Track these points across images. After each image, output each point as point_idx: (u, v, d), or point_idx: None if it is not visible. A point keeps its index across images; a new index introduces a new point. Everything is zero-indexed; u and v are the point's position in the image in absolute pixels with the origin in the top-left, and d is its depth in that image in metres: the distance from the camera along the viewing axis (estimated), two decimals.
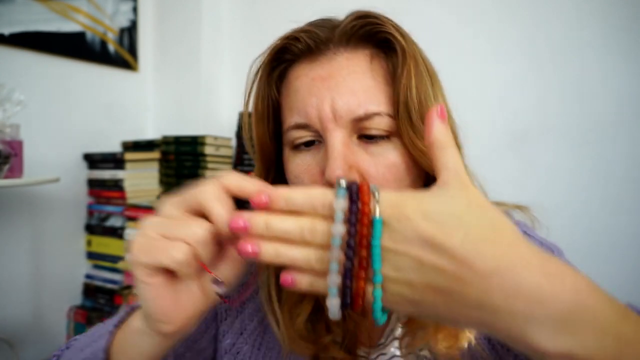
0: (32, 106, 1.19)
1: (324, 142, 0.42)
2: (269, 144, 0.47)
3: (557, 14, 1.18)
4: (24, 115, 1.07)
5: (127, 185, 1.36)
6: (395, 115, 0.42)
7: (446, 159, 0.30)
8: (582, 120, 1.17)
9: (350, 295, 0.28)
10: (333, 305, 0.28)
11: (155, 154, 1.45)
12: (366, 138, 0.42)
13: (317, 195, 0.29)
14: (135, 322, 0.37)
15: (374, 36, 0.44)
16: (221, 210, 0.30)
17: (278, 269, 0.49)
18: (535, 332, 0.25)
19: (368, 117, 0.41)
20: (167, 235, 0.31)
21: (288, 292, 0.48)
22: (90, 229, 1.42)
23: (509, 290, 0.25)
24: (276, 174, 0.48)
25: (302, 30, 0.45)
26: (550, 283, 0.26)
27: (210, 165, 1.36)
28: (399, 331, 0.48)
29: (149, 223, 0.32)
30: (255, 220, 0.29)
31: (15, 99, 1.04)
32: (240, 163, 1.41)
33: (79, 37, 1.39)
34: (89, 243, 1.42)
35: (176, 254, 0.30)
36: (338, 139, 0.41)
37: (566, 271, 0.27)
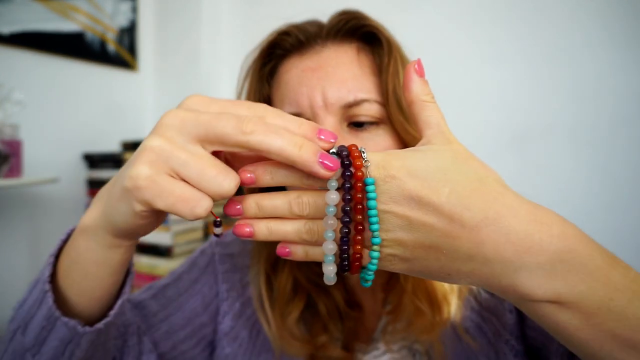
0: (32, 106, 1.19)
1: None
2: None
3: (557, 14, 1.18)
4: (23, 115, 1.07)
5: None
6: (384, 102, 0.43)
7: (427, 116, 0.30)
8: (582, 121, 1.17)
9: (348, 260, 0.28)
10: (329, 271, 0.28)
11: None
12: (356, 126, 0.43)
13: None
14: (78, 226, 0.34)
15: (359, 30, 0.46)
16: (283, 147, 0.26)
17: (267, 267, 0.50)
18: (525, 279, 0.26)
19: (357, 103, 0.43)
20: (192, 182, 0.26)
21: (280, 291, 0.49)
22: None
23: (499, 240, 0.26)
24: None
25: (292, 25, 0.47)
26: (539, 230, 0.26)
27: None
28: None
29: (162, 149, 0.25)
30: (247, 202, 0.29)
31: (15, 98, 1.04)
32: None
33: (79, 36, 1.38)
34: None
35: (199, 211, 0.26)
36: (329, 124, 0.42)
37: (554, 218, 0.27)
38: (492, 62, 1.24)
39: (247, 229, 0.29)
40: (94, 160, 1.40)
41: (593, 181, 1.16)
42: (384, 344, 0.48)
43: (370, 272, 0.28)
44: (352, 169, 0.27)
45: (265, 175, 0.28)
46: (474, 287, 0.47)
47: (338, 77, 0.43)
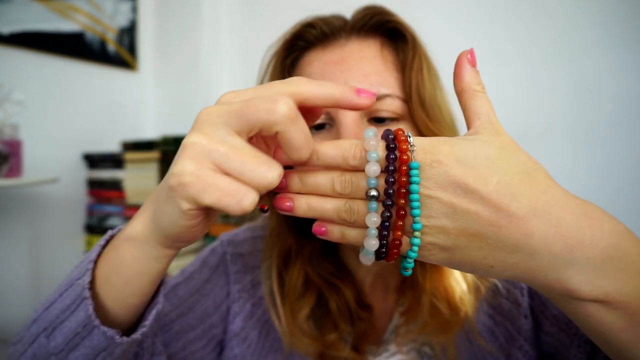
0: (32, 106, 1.19)
1: (334, 125, 0.43)
2: None
3: (557, 14, 1.18)
4: (23, 115, 1.07)
5: (127, 185, 1.36)
6: (406, 99, 0.43)
7: (478, 106, 0.30)
8: (581, 121, 1.17)
9: (386, 246, 0.27)
10: (371, 245, 0.27)
11: (155, 154, 1.45)
12: (376, 121, 0.43)
13: (348, 146, 0.28)
14: (124, 232, 0.32)
15: (384, 26, 0.46)
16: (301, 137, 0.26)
17: (279, 262, 0.50)
18: (574, 275, 0.25)
19: (380, 98, 0.42)
20: (235, 175, 0.25)
21: (290, 286, 0.49)
22: (90, 229, 1.41)
23: (548, 232, 0.25)
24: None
25: (317, 17, 0.47)
26: (590, 225, 0.25)
27: None
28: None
29: (202, 145, 0.25)
30: (291, 177, 0.29)
31: (15, 98, 1.04)
32: None
33: (79, 36, 1.38)
34: (88, 243, 1.42)
35: (245, 204, 0.25)
36: (350, 118, 0.41)
37: (604, 214, 0.26)
38: (492, 62, 1.24)
39: (288, 203, 0.29)
40: (94, 160, 1.40)
41: (592, 181, 1.16)
42: (395, 345, 0.48)
43: (410, 261, 0.28)
44: (397, 152, 0.27)
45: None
46: (487, 291, 0.47)
47: (361, 71, 0.43)
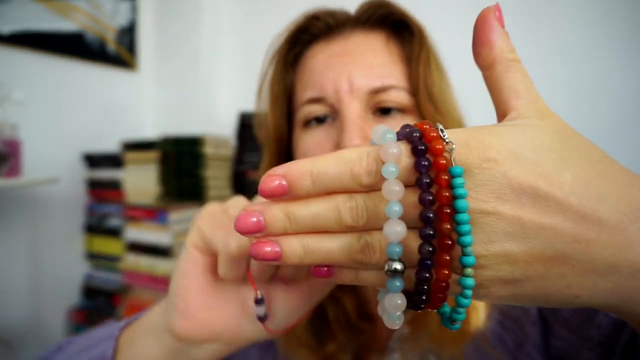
0: (31, 106, 1.19)
1: (337, 118, 0.41)
2: (283, 126, 0.45)
3: (558, 13, 1.18)
4: (22, 115, 1.07)
5: (127, 185, 1.35)
6: (412, 91, 0.41)
7: (516, 82, 0.23)
8: (580, 121, 1.16)
9: (428, 293, 0.19)
10: (396, 306, 0.19)
11: (155, 154, 1.44)
12: (381, 113, 0.41)
13: (357, 157, 0.20)
14: (151, 316, 0.33)
15: (389, 18, 0.44)
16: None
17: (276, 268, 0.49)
18: None
19: (385, 89, 0.40)
20: None
21: None
22: (89, 229, 1.41)
23: None
24: (286, 160, 0.46)
25: (322, 10, 0.45)
26: None
27: (209, 165, 1.36)
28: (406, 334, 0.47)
29: (233, 201, 0.30)
30: (272, 212, 0.20)
31: (14, 98, 1.03)
32: (240, 163, 1.41)
33: (78, 36, 1.38)
34: (88, 243, 1.41)
35: (232, 242, 0.26)
36: (354, 110, 0.39)
37: None
38: None
39: (269, 248, 0.20)
40: (93, 160, 1.40)
41: None
42: (400, 354, 0.46)
43: (462, 310, 0.20)
44: (429, 157, 0.19)
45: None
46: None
47: (366, 63, 0.41)
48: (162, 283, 1.22)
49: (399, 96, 0.41)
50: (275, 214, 0.20)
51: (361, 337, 0.47)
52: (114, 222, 1.37)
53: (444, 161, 0.19)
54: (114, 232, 1.36)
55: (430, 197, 0.18)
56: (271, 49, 0.47)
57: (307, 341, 0.45)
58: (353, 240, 0.20)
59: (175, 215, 1.24)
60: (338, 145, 0.38)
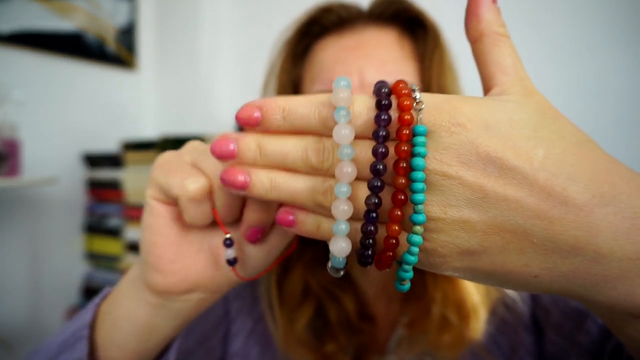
0: (31, 105, 1.19)
1: None
2: None
3: (558, 13, 1.18)
4: (22, 115, 1.07)
5: (126, 185, 1.35)
6: (423, 89, 0.40)
7: (503, 56, 0.22)
8: (583, 120, 1.16)
9: (373, 246, 0.20)
10: (340, 248, 0.20)
11: (154, 154, 1.44)
12: None
13: (325, 100, 0.21)
14: (126, 279, 0.32)
15: (403, 14, 0.44)
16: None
17: (279, 268, 0.49)
18: None
19: None
20: (194, 162, 0.27)
21: (289, 294, 0.46)
22: (89, 229, 1.41)
23: (621, 226, 0.18)
24: None
25: (335, 2, 0.44)
26: None
27: None
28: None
29: (188, 146, 0.29)
30: (245, 141, 0.22)
31: (13, 98, 1.03)
32: None
33: (78, 36, 1.38)
34: (87, 243, 1.41)
35: (189, 184, 0.25)
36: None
37: None
38: None
39: (241, 177, 0.21)
40: (93, 160, 1.40)
41: None
42: (397, 357, 0.46)
43: (407, 268, 0.20)
44: (392, 113, 0.19)
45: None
46: (495, 301, 0.44)
47: (378, 59, 0.40)
48: None
49: None
50: (248, 142, 0.22)
51: (361, 338, 0.47)
52: (113, 222, 1.37)
53: (409, 117, 0.19)
54: (114, 232, 1.36)
55: (383, 150, 0.19)
56: (280, 40, 0.47)
57: (306, 340, 0.44)
58: (318, 183, 0.21)
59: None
60: None
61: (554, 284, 0.19)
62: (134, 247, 1.29)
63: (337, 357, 0.44)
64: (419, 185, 0.18)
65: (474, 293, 0.43)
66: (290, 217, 0.22)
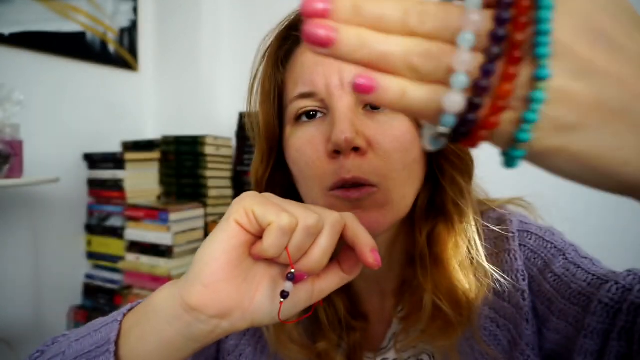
0: (32, 106, 1.19)
1: (329, 113, 0.40)
2: (274, 123, 0.45)
3: None
4: (23, 115, 1.07)
5: (127, 185, 1.36)
6: None
7: None
8: None
9: (477, 109, 0.18)
10: (455, 103, 0.18)
11: (156, 154, 1.45)
12: (372, 108, 0.41)
13: None
14: (161, 292, 0.34)
15: None
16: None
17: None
18: None
19: None
20: (281, 205, 0.31)
21: None
22: (91, 229, 1.42)
23: None
24: (277, 158, 0.46)
25: None
26: None
27: (210, 165, 1.36)
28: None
29: (269, 194, 0.33)
30: (340, 1, 0.19)
31: (15, 98, 1.04)
32: (240, 163, 1.41)
33: (79, 37, 1.39)
34: (89, 243, 1.42)
35: (285, 216, 0.29)
36: (345, 104, 0.39)
37: None
38: None
39: (326, 33, 0.19)
40: (94, 161, 1.40)
41: None
42: (394, 353, 0.46)
43: (528, 127, 0.18)
44: None
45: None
46: (489, 293, 0.44)
47: None
48: (162, 282, 1.22)
49: None
50: (344, 1, 0.19)
51: (354, 336, 0.47)
52: (115, 222, 1.38)
53: None
54: (115, 232, 1.36)
55: (506, 16, 0.17)
56: (262, 46, 0.47)
57: (297, 338, 0.45)
58: (413, 43, 0.19)
59: (176, 215, 1.24)
60: (329, 140, 0.38)
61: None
62: (134, 247, 1.30)
63: (330, 355, 0.45)
64: (546, 40, 0.17)
65: (464, 281, 0.43)
66: (371, 80, 0.19)
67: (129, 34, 1.56)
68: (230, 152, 1.45)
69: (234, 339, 0.50)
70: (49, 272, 1.31)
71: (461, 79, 0.17)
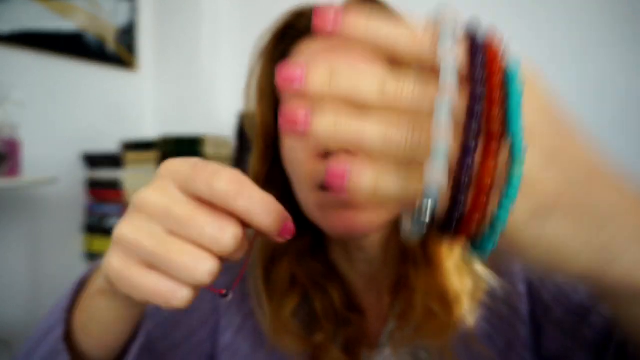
0: (31, 106, 1.19)
1: None
2: (271, 122, 0.46)
3: (558, 13, 1.18)
4: (22, 115, 1.07)
5: (126, 185, 1.35)
6: None
7: None
8: (582, 120, 1.16)
9: (462, 204, 0.17)
10: (435, 179, 0.17)
11: (155, 154, 1.44)
12: None
13: (419, 32, 0.19)
14: (96, 283, 0.31)
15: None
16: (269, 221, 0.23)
17: (265, 260, 0.48)
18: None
19: None
20: (188, 237, 0.23)
21: (275, 284, 0.47)
22: (89, 229, 1.41)
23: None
24: (274, 157, 0.46)
25: (306, 7, 0.46)
26: None
27: None
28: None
29: (150, 208, 0.24)
30: (316, 67, 0.19)
31: (14, 98, 1.03)
32: (240, 163, 1.41)
33: (78, 36, 1.38)
34: (87, 243, 1.41)
35: (175, 304, 0.23)
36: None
37: None
38: None
39: (302, 114, 0.19)
40: (93, 160, 1.40)
41: None
42: (390, 349, 0.46)
43: (497, 232, 0.18)
44: (483, 56, 0.18)
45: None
46: (485, 294, 0.45)
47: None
48: None
49: None
50: (320, 70, 0.19)
51: (349, 329, 0.47)
52: (113, 222, 1.37)
53: (499, 64, 0.18)
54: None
55: (481, 90, 0.17)
56: (258, 45, 0.48)
57: (294, 329, 0.45)
58: (392, 117, 0.19)
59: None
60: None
61: (592, 264, 0.20)
62: None
63: (326, 348, 0.45)
64: (518, 127, 0.17)
65: (455, 282, 0.44)
66: (343, 170, 0.19)
67: (128, 33, 1.55)
68: (230, 152, 1.45)
69: (230, 334, 0.49)
70: (48, 272, 1.31)
71: (442, 147, 0.17)
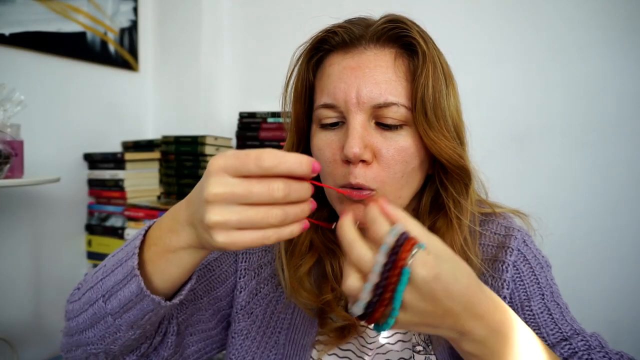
0: (33, 106, 1.19)
1: (346, 123, 0.49)
2: (303, 119, 0.54)
3: (558, 14, 1.19)
4: (24, 115, 1.07)
5: (128, 185, 1.36)
6: (411, 107, 0.48)
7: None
8: (582, 120, 1.17)
9: (371, 314, 0.35)
10: (355, 311, 0.35)
11: (156, 154, 1.45)
12: (383, 126, 0.48)
13: (364, 252, 0.35)
14: (175, 240, 0.40)
15: (401, 38, 0.50)
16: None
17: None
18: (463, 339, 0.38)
19: (387, 105, 0.47)
20: (283, 218, 0.35)
21: (296, 246, 0.56)
22: (91, 229, 1.42)
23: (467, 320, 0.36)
24: (305, 146, 0.55)
25: (340, 26, 0.52)
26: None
27: None
28: None
29: (224, 195, 0.34)
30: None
31: (16, 99, 1.04)
32: None
33: (80, 37, 1.39)
34: (89, 243, 1.42)
35: (295, 229, 0.36)
36: (358, 120, 0.47)
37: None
38: (489, 62, 1.25)
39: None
40: (94, 161, 1.41)
41: (594, 181, 1.16)
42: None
43: (385, 329, 0.35)
44: (395, 257, 0.32)
45: None
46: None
47: (373, 79, 0.48)
48: None
49: (398, 112, 0.48)
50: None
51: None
52: (115, 222, 1.38)
53: (400, 265, 0.32)
54: (115, 232, 1.36)
55: (386, 277, 0.33)
56: (298, 50, 0.55)
57: (309, 287, 0.54)
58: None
59: None
60: (342, 148, 0.47)
61: (445, 333, 0.38)
62: None
63: (332, 305, 0.53)
64: (398, 304, 0.33)
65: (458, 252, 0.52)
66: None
67: (129, 34, 1.56)
68: None
69: (246, 295, 0.58)
70: (49, 271, 1.31)
71: (365, 297, 0.35)
